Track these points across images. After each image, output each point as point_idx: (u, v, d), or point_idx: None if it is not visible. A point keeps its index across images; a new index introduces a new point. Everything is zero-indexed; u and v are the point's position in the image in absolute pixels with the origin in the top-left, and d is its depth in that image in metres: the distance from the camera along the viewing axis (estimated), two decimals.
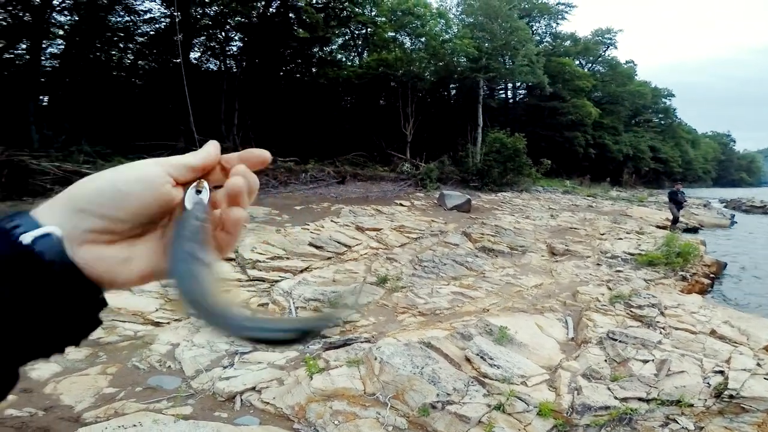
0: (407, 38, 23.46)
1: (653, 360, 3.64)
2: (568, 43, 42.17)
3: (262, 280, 5.97)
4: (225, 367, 3.73)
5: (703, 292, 7.32)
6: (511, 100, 39.03)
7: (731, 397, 3.10)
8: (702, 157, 65.02)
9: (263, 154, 0.46)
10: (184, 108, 18.14)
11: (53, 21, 17.22)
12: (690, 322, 4.49)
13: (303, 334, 0.38)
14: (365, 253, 7.75)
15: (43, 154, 12.48)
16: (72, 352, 3.75)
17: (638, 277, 7.09)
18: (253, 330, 0.36)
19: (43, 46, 16.98)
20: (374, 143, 23.62)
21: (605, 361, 3.72)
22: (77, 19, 17.77)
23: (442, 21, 22.91)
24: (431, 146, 23.88)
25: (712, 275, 8.43)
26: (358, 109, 27.48)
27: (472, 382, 3.35)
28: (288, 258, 6.87)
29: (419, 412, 3.06)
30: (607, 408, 3.09)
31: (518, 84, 36.58)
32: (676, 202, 13.67)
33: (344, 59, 26.74)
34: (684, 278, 7.49)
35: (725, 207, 27.00)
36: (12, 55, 17.65)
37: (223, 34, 21.08)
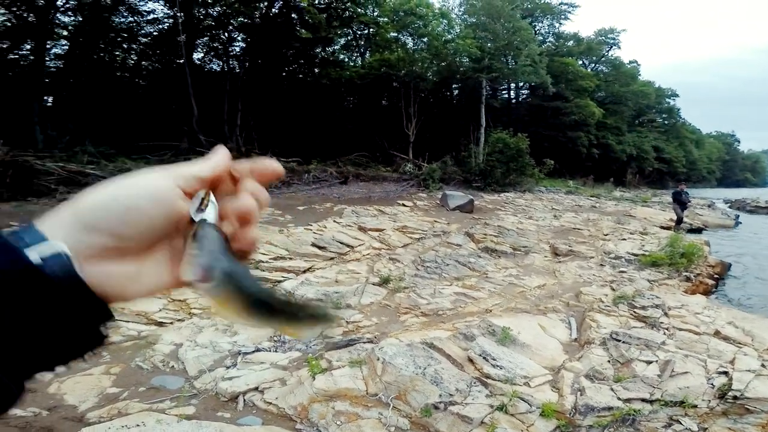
0: (410, 38, 23.47)
1: (657, 361, 3.63)
2: (571, 43, 42.05)
3: (265, 280, 5.98)
4: (228, 368, 3.74)
5: (707, 292, 7.29)
6: (513, 100, 38.98)
7: (735, 398, 3.08)
8: (706, 157, 64.76)
9: (276, 168, 0.44)
10: (187, 108, 18.22)
11: (57, 22, 17.30)
12: (694, 323, 4.47)
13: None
14: (368, 254, 7.75)
15: (47, 154, 12.54)
16: None
17: (642, 277, 7.06)
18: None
19: (47, 46, 17.07)
20: (377, 143, 23.63)
21: (608, 361, 3.71)
22: (81, 19, 17.85)
23: (445, 21, 22.90)
24: (434, 146, 23.86)
25: (716, 276, 8.39)
26: (360, 110, 27.50)
27: (474, 383, 3.35)
28: (291, 258, 6.88)
29: (421, 413, 3.06)
30: (610, 409, 3.08)
31: (521, 84, 36.54)
32: (680, 202, 13.62)
33: (347, 59, 26.77)
34: (688, 279, 7.46)
35: (729, 207, 26.86)
36: (16, 56, 17.75)
37: (226, 34, 21.13)
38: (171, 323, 4.58)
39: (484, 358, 3.63)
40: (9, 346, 0.31)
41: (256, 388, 3.45)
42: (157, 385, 3.47)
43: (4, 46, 16.99)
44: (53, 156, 12.52)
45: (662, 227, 13.20)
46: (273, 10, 20.29)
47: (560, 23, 42.26)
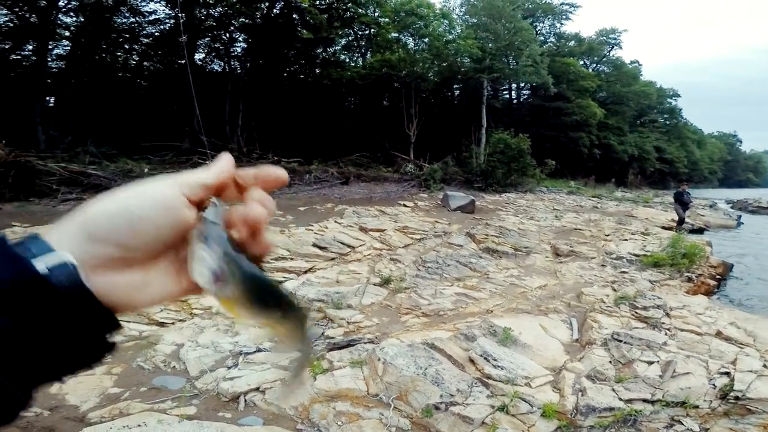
0: (410, 39, 23.47)
1: (658, 361, 3.62)
2: (572, 43, 42.04)
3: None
4: (229, 368, 3.74)
5: (709, 293, 7.27)
6: (515, 101, 38.97)
7: (737, 398, 3.08)
8: (708, 157, 64.64)
9: (281, 175, 0.44)
10: (189, 109, 18.21)
11: (59, 22, 17.36)
12: (696, 324, 4.46)
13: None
14: (369, 254, 7.75)
15: (49, 154, 12.58)
16: None
17: (643, 278, 7.05)
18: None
19: (49, 47, 17.12)
20: (378, 144, 23.64)
21: (610, 362, 3.71)
22: (83, 20, 17.91)
23: (446, 21, 22.90)
24: (435, 147, 23.87)
25: (718, 276, 8.37)
26: (361, 110, 27.52)
27: (475, 383, 3.35)
28: (292, 259, 6.89)
29: (422, 413, 3.06)
30: (611, 409, 3.08)
31: (522, 84, 36.54)
32: (682, 202, 13.59)
33: (348, 60, 26.79)
34: (690, 279, 7.44)
35: (731, 208, 26.81)
36: (19, 57, 17.81)
37: (227, 35, 21.17)
38: (172, 323, 4.59)
39: (485, 358, 3.63)
40: (16, 356, 0.31)
41: (258, 389, 3.45)
42: (158, 386, 3.47)
43: (7, 46, 17.06)
44: (55, 156, 12.56)
45: (664, 228, 13.17)
46: (274, 10, 20.32)
47: (561, 23, 42.31)
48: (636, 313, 4.82)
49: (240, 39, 21.85)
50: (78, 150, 13.69)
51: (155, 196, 0.38)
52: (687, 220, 14.53)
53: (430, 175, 18.96)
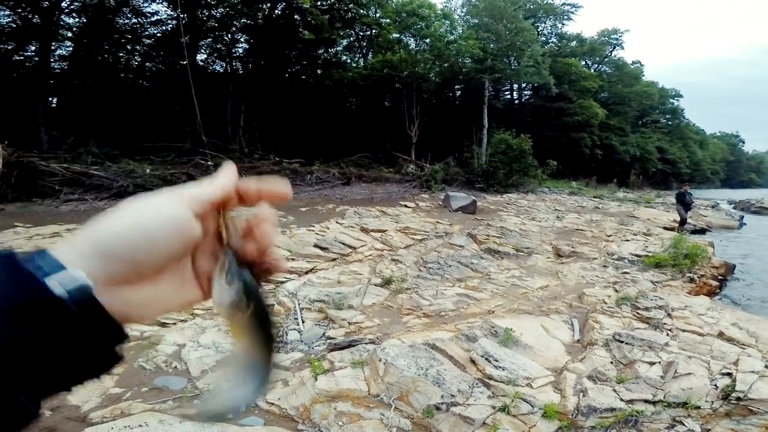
0: (412, 39, 23.47)
1: (660, 362, 3.62)
2: (574, 43, 42.00)
3: (268, 281, 5.97)
4: None
5: (711, 293, 7.25)
6: (516, 101, 38.93)
7: (739, 399, 3.07)
8: (710, 158, 64.45)
9: (284, 192, 0.45)
10: (190, 110, 18.26)
11: (62, 23, 17.42)
12: (697, 324, 4.45)
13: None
14: (370, 255, 7.76)
15: (51, 155, 12.62)
16: None
17: (645, 278, 7.04)
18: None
19: (52, 48, 17.19)
20: (379, 144, 23.64)
21: (611, 362, 3.70)
22: (85, 21, 17.96)
23: (447, 22, 22.90)
24: (436, 147, 23.86)
25: (720, 277, 8.35)
26: (363, 111, 27.53)
27: (476, 384, 3.35)
28: (293, 259, 6.90)
29: (423, 414, 3.06)
30: (612, 410, 3.08)
31: (524, 85, 36.50)
32: (684, 203, 13.56)
33: (349, 61, 26.82)
34: (691, 280, 7.42)
35: (734, 208, 26.71)
36: (21, 57, 17.90)
37: (229, 36, 21.21)
38: (174, 324, 4.59)
39: (487, 359, 3.62)
40: (27, 369, 0.32)
41: None
42: (159, 386, 3.48)
43: (10, 47, 17.13)
44: (57, 157, 12.60)
45: (666, 228, 13.14)
46: (276, 11, 20.35)
47: (563, 24, 42.28)
48: (638, 313, 4.82)
49: (242, 40, 21.90)
50: (80, 150, 13.73)
51: (168, 216, 0.39)
52: (689, 220, 14.49)
53: (432, 176, 18.95)
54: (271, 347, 0.42)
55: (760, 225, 18.90)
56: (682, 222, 13.69)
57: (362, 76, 22.79)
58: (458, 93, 31.87)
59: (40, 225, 8.40)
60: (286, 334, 4.61)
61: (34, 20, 16.06)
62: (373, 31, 23.17)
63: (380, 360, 3.56)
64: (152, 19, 19.84)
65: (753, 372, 3.35)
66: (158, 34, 20.59)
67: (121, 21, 19.39)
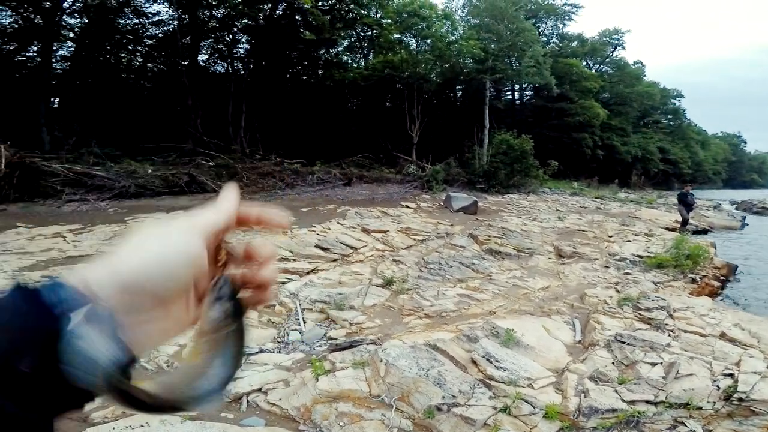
0: (413, 40, 23.48)
1: (661, 363, 3.61)
2: (575, 44, 41.97)
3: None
4: None
5: (713, 294, 7.24)
6: (517, 102, 38.90)
7: (741, 400, 3.07)
8: (712, 158, 64.32)
9: (283, 223, 0.47)
10: (192, 110, 18.31)
11: (64, 24, 17.47)
12: (699, 325, 4.44)
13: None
14: (371, 255, 7.75)
15: (53, 155, 12.66)
16: None
17: (647, 279, 7.02)
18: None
19: (54, 48, 17.23)
20: (380, 145, 23.64)
21: (613, 363, 3.70)
22: (87, 21, 18.01)
23: (448, 22, 22.90)
24: (437, 148, 23.85)
25: (722, 278, 8.34)
26: (364, 111, 27.54)
27: (477, 385, 3.34)
28: (294, 260, 6.90)
29: (424, 414, 3.06)
30: (614, 411, 3.07)
31: (525, 85, 36.46)
32: (686, 204, 13.54)
33: (350, 61, 26.84)
34: (693, 281, 7.41)
35: (736, 209, 26.66)
36: (23, 58, 17.95)
37: (230, 36, 21.24)
38: None
39: (488, 359, 3.62)
40: (42, 392, 0.32)
41: (260, 389, 3.46)
42: None
43: (12, 47, 17.18)
44: (59, 157, 12.63)
45: (667, 229, 13.13)
46: (277, 12, 20.38)
47: (564, 24, 42.26)
48: (639, 314, 4.81)
49: (243, 40, 21.94)
50: (82, 151, 13.76)
51: (185, 250, 0.41)
52: (691, 221, 14.47)
53: (433, 176, 18.93)
54: (237, 367, 0.42)
55: (763, 226, 18.85)
56: (684, 222, 13.66)
57: (363, 77, 22.80)
58: (459, 93, 31.85)
59: (42, 225, 8.42)
60: (288, 335, 4.61)
61: (36, 21, 16.11)
62: (374, 31, 23.19)
63: (381, 360, 3.56)
64: (154, 19, 19.90)
65: (755, 373, 3.35)
66: (160, 35, 20.64)
67: (123, 21, 19.45)
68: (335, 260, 7.24)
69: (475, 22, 26.25)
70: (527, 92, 39.08)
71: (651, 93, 42.65)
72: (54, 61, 17.58)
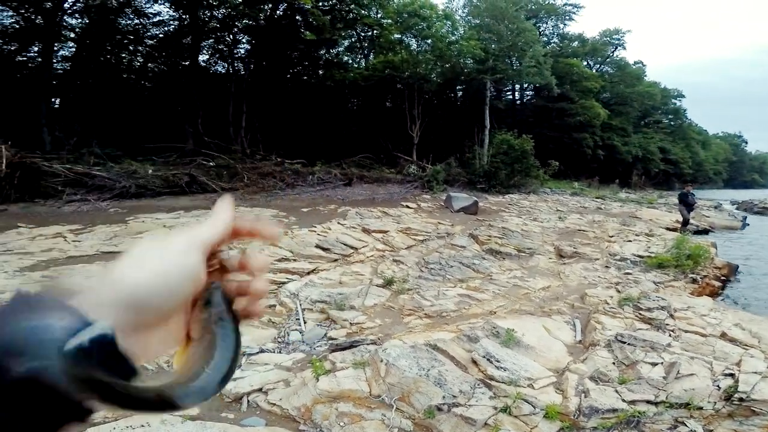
0: (413, 40, 23.45)
1: (662, 362, 3.61)
2: (575, 44, 41.91)
3: (270, 282, 5.98)
4: None
5: (713, 294, 7.24)
6: (518, 102, 38.88)
7: (741, 400, 3.06)
8: (713, 158, 64.23)
9: (274, 233, 0.49)
10: (192, 110, 18.32)
11: (64, 24, 17.47)
12: (700, 325, 4.44)
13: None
14: (372, 255, 7.76)
15: (54, 156, 12.66)
16: None
17: (647, 279, 7.02)
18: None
19: (55, 48, 17.23)
20: (381, 145, 23.63)
21: (613, 363, 3.69)
22: (88, 22, 18.02)
23: (449, 23, 22.88)
24: (438, 148, 23.83)
25: (723, 278, 8.33)
26: (364, 111, 27.54)
27: (478, 385, 3.34)
28: (295, 260, 6.90)
29: (425, 414, 3.06)
30: (614, 411, 3.07)
31: (525, 85, 36.42)
32: (687, 204, 13.53)
33: (350, 61, 26.81)
34: (694, 281, 7.41)
35: (737, 209, 26.64)
36: (24, 58, 17.96)
37: (230, 36, 21.24)
38: None
39: (488, 359, 3.62)
40: (48, 407, 0.32)
41: (260, 389, 3.46)
42: None
43: (13, 48, 17.20)
44: (60, 157, 12.64)
45: (668, 229, 13.12)
46: (277, 12, 20.38)
47: (565, 24, 42.19)
48: (640, 314, 4.81)
49: (243, 40, 21.93)
50: (83, 151, 13.77)
51: (186, 265, 0.42)
52: (691, 221, 14.46)
53: (433, 177, 18.92)
54: (231, 370, 0.42)
55: (764, 226, 18.83)
56: (685, 222, 13.65)
57: (364, 77, 22.79)
58: (460, 93, 31.84)
59: (43, 225, 8.43)
60: (288, 335, 4.61)
61: (37, 21, 16.11)
62: (375, 31, 23.16)
63: (382, 360, 3.56)
64: (154, 19, 19.89)
65: (755, 373, 3.34)
66: (160, 35, 20.64)
67: (124, 22, 19.44)
68: (336, 260, 7.24)
69: (475, 22, 26.23)
70: (528, 92, 39.06)
71: (652, 93, 42.61)
72: (55, 61, 17.59)
